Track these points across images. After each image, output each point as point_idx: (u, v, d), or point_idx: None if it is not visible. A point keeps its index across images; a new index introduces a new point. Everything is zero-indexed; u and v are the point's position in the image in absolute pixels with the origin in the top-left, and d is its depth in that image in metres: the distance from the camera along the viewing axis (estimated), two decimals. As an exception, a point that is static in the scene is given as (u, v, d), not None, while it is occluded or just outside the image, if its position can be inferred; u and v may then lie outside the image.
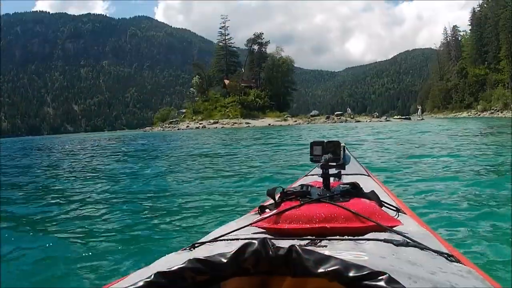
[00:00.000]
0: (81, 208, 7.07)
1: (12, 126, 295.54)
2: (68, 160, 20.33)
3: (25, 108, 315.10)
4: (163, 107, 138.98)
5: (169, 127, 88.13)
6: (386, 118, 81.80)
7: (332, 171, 2.23)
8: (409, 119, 79.62)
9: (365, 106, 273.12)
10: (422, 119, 77.87)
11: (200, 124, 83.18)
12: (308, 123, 75.71)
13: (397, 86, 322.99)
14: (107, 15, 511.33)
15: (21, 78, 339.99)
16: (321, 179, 2.13)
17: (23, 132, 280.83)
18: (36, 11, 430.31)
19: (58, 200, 8.28)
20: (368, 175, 3.53)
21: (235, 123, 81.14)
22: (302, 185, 2.10)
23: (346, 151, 2.45)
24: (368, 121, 74.81)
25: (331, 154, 2.19)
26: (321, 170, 2.14)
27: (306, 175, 3.69)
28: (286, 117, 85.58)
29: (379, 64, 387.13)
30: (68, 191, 9.34)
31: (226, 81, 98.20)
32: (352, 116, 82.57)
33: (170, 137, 46.30)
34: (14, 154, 29.48)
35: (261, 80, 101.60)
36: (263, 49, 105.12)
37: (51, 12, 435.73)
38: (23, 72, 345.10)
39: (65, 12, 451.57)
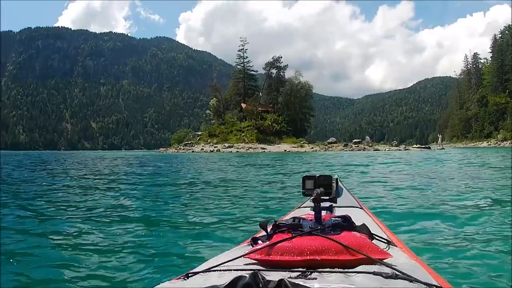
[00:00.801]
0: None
1: (30, 140, 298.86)
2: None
3: (43, 123, 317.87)
4: (181, 128, 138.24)
5: (183, 149, 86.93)
6: (405, 147, 79.93)
7: (325, 204, 2.33)
8: (429, 148, 77.91)
9: (383, 135, 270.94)
10: (442, 149, 76.12)
11: (214, 147, 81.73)
12: (325, 150, 73.89)
13: (415, 114, 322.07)
14: (129, 34, 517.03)
15: (41, 93, 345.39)
16: (313, 212, 2.20)
17: (40, 146, 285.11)
18: (58, 26, 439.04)
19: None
20: (361, 207, 3.52)
21: (250, 148, 79.53)
22: (294, 218, 2.21)
23: (339, 184, 2.63)
24: (387, 149, 72.93)
25: (323, 188, 2.26)
26: (313, 203, 2.20)
27: (298, 207, 3.65)
28: (303, 143, 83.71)
29: (399, 92, 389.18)
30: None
31: (243, 105, 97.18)
32: (370, 144, 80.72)
33: (180, 159, 45.67)
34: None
35: (278, 105, 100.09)
36: (282, 73, 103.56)
37: (72, 29, 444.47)
38: (43, 86, 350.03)
39: (87, 29, 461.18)
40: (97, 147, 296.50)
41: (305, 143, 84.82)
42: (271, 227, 2.13)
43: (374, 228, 2.50)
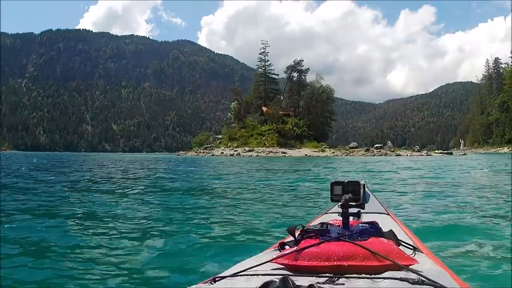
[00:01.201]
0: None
1: (50, 141, 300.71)
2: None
3: (64, 124, 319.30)
4: (202, 132, 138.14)
5: (203, 152, 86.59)
6: (427, 153, 78.99)
7: (352, 210, 2.36)
8: (451, 154, 77.03)
9: (404, 140, 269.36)
10: (464, 154, 75.10)
11: (235, 151, 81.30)
12: (346, 155, 73.15)
13: (436, 120, 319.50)
14: (150, 37, 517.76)
15: (62, 94, 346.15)
16: (340, 218, 2.26)
17: (60, 147, 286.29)
18: (79, 29, 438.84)
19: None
20: (388, 214, 3.54)
21: (271, 152, 78.90)
22: (322, 223, 2.23)
23: (366, 190, 2.53)
24: (409, 155, 72.04)
25: (351, 194, 2.28)
26: (341, 209, 2.26)
27: (326, 213, 3.68)
28: (324, 147, 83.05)
29: (420, 97, 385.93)
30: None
31: (264, 108, 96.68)
32: (392, 149, 79.89)
33: (200, 162, 45.47)
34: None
35: (300, 109, 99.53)
36: (303, 77, 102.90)
37: (94, 31, 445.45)
38: (64, 88, 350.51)
39: (108, 32, 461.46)
40: (118, 149, 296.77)
41: (326, 147, 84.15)
42: (299, 232, 2.15)
43: (401, 234, 2.51)
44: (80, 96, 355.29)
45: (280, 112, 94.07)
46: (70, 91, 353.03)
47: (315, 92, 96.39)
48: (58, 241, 6.05)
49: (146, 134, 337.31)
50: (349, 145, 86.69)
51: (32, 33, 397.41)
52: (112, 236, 6.52)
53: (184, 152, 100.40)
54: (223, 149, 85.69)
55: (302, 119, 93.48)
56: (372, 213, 3.26)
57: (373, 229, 2.11)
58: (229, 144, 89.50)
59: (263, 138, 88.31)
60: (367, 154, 74.04)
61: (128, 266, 4.95)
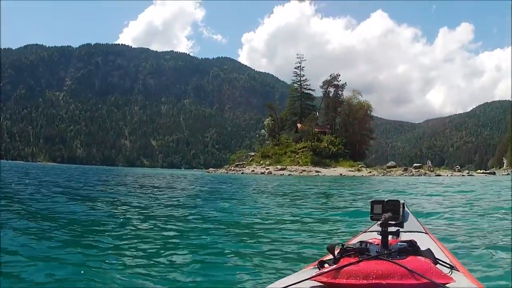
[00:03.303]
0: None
1: (87, 155, 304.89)
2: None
3: (102, 138, 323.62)
4: (241, 149, 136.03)
5: (233, 170, 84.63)
6: (468, 172, 74.96)
7: (391, 228, 2.40)
8: (494, 173, 73.00)
9: (443, 159, 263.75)
10: (508, 174, 70.86)
11: (266, 169, 78.75)
12: (383, 175, 69.65)
13: (475, 139, 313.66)
14: (190, 54, 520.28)
15: (100, 109, 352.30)
16: (379, 236, 2.31)
17: (97, 161, 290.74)
18: (119, 44, 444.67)
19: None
20: (426, 233, 3.56)
21: (304, 170, 75.92)
22: (361, 242, 2.29)
23: (406, 209, 2.63)
24: (450, 175, 68.28)
25: (390, 213, 2.34)
26: (380, 227, 2.32)
27: (365, 232, 3.75)
28: (360, 167, 79.40)
29: (458, 117, 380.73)
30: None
31: (299, 125, 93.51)
32: (432, 169, 76.01)
33: (227, 180, 43.24)
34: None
35: (336, 126, 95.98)
36: (340, 92, 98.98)
37: (133, 46, 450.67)
38: (102, 102, 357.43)
39: (147, 48, 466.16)
40: (156, 165, 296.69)
41: (363, 167, 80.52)
42: (338, 250, 2.21)
43: (438, 253, 2.54)
44: (119, 111, 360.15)
45: (316, 129, 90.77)
46: (109, 106, 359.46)
47: (352, 109, 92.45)
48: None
49: (185, 150, 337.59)
50: (387, 165, 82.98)
51: (70, 46, 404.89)
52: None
53: (214, 169, 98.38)
54: (254, 167, 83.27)
55: (338, 136, 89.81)
56: (411, 231, 3.29)
57: (411, 248, 2.16)
58: (261, 161, 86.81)
59: (297, 156, 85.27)
60: (405, 174, 70.67)
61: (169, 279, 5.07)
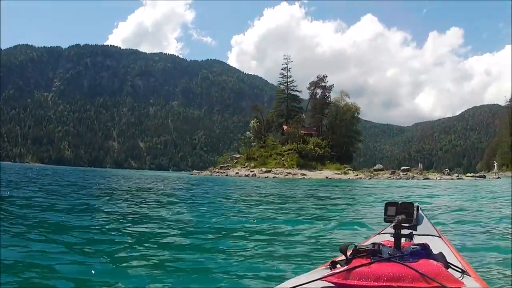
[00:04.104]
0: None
1: (75, 156, 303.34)
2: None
3: (90, 140, 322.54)
4: (229, 152, 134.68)
5: (217, 172, 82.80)
6: (457, 176, 73.50)
7: (405, 231, 2.43)
8: (484, 177, 71.69)
9: (431, 163, 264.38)
10: (498, 178, 69.77)
11: (251, 171, 77.01)
12: (370, 178, 68.11)
13: (463, 143, 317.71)
14: (180, 55, 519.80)
15: (88, 110, 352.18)
16: (392, 239, 2.31)
17: (85, 163, 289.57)
18: (108, 45, 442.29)
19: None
20: (439, 237, 3.58)
21: (289, 173, 74.14)
22: (374, 244, 2.29)
23: (420, 212, 2.71)
24: (439, 178, 66.65)
25: (404, 215, 2.36)
26: (394, 230, 2.33)
27: (378, 233, 3.78)
28: (347, 170, 77.85)
29: (447, 120, 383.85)
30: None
31: (285, 127, 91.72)
32: (420, 172, 74.55)
33: (202, 182, 41.27)
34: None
35: (323, 128, 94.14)
36: (327, 94, 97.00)
37: (122, 48, 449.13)
38: (90, 103, 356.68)
39: (137, 49, 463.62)
40: (144, 167, 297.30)
41: (349, 169, 78.94)
42: (350, 251, 2.22)
43: (451, 257, 2.55)
44: (107, 112, 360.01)
45: (302, 131, 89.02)
46: (97, 107, 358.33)
47: (339, 111, 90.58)
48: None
49: (173, 152, 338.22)
50: (374, 168, 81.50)
51: (59, 47, 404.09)
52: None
53: (198, 171, 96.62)
54: (239, 169, 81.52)
55: (325, 139, 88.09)
56: (424, 235, 3.30)
57: (424, 251, 2.18)
58: (246, 164, 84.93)
59: (283, 159, 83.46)
60: (392, 177, 69.14)
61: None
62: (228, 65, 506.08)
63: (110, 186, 29.71)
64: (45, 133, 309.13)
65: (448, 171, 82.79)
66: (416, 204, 2.37)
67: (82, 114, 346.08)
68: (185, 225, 10.26)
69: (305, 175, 72.62)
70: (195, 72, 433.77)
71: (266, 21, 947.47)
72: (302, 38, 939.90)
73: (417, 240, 2.65)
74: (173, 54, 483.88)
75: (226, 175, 76.31)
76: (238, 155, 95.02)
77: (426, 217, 3.91)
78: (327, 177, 69.06)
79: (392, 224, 2.31)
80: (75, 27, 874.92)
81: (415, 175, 70.83)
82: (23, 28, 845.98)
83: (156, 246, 7.39)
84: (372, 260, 2.00)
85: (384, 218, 2.40)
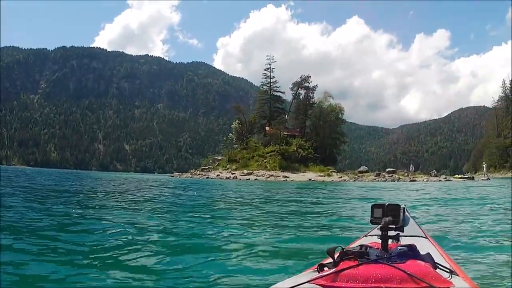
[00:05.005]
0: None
1: (61, 158, 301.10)
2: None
3: (76, 142, 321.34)
4: (214, 154, 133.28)
5: (198, 174, 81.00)
6: (445, 178, 71.89)
7: (391, 232, 2.45)
8: (473, 178, 69.93)
9: (418, 165, 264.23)
10: (488, 179, 67.99)
11: (232, 174, 75.19)
12: (354, 180, 66.47)
13: (449, 144, 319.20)
14: (165, 58, 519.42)
15: (74, 112, 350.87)
16: (380, 240, 2.34)
17: (71, 165, 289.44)
18: (94, 47, 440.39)
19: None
20: (426, 237, 3.60)
21: (271, 175, 72.28)
22: (361, 246, 2.32)
23: (406, 213, 2.70)
24: (426, 180, 64.98)
25: (391, 217, 2.39)
26: (381, 231, 2.35)
27: (365, 235, 3.80)
28: (331, 172, 76.14)
29: (433, 122, 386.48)
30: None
31: (268, 128, 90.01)
32: (406, 174, 72.95)
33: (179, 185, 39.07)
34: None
35: (306, 129, 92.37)
36: (310, 94, 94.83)
37: (108, 50, 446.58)
38: (76, 106, 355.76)
39: (122, 51, 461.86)
40: (130, 169, 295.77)
41: (334, 171, 77.24)
42: (338, 254, 2.24)
43: (438, 258, 2.56)
44: (93, 114, 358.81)
45: (285, 133, 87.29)
46: (83, 109, 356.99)
47: (322, 112, 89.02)
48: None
49: (159, 155, 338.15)
50: (358, 169, 79.87)
51: (46, 49, 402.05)
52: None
53: (179, 173, 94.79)
54: (220, 171, 79.60)
55: (308, 140, 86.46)
56: (411, 236, 3.31)
57: (411, 252, 2.20)
58: (227, 166, 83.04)
59: (265, 161, 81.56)
60: (377, 179, 67.44)
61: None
62: (214, 67, 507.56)
63: (62, 188, 27.56)
64: (31, 136, 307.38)
65: (436, 172, 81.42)
66: (402, 205, 2.40)
67: (68, 116, 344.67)
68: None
69: (288, 177, 70.90)
70: (180, 75, 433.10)
71: (252, 23, 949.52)
72: (288, 41, 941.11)
73: (404, 241, 2.67)
74: (158, 56, 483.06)
75: (207, 178, 74.43)
76: (220, 157, 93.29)
77: (413, 218, 3.89)
78: (310, 180, 67.34)
79: (379, 226, 2.33)
80: (62, 29, 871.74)
81: (401, 177, 69.34)
82: (9, 29, 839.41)
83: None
84: (360, 262, 2.01)
85: (371, 220, 2.41)
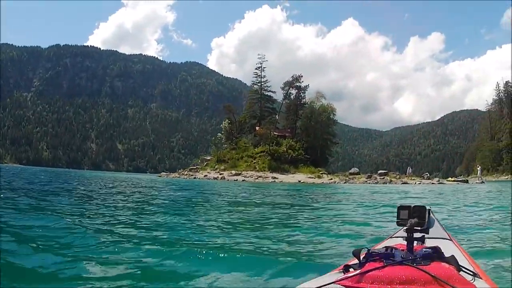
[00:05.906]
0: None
1: (53, 157, 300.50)
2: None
3: (68, 141, 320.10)
4: (206, 154, 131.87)
5: (186, 174, 79.43)
6: (438, 180, 70.32)
7: (417, 234, 2.48)
8: (467, 182, 68.40)
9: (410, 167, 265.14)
10: (482, 183, 66.17)
11: (220, 174, 73.50)
12: (345, 182, 64.78)
13: (442, 147, 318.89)
14: (159, 57, 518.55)
15: (67, 111, 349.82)
16: (405, 242, 2.38)
17: (63, 164, 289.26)
18: (87, 46, 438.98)
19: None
20: (450, 240, 3.60)
21: (260, 176, 70.53)
22: (386, 247, 2.37)
23: (431, 215, 2.70)
24: (418, 183, 63.44)
25: (417, 218, 2.42)
26: (406, 233, 2.39)
27: (391, 237, 3.83)
28: (321, 173, 74.47)
29: (427, 125, 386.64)
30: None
31: (258, 128, 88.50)
32: (398, 176, 71.37)
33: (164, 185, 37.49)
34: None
35: (297, 130, 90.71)
36: (302, 94, 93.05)
37: (102, 48, 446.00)
38: (69, 104, 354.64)
39: (116, 50, 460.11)
40: (122, 169, 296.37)
41: (324, 173, 75.59)
42: (363, 255, 2.28)
43: (462, 260, 2.56)
44: (86, 113, 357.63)
45: (275, 133, 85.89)
46: (76, 108, 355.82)
47: (314, 112, 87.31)
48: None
49: (151, 155, 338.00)
50: (349, 171, 78.24)
51: (39, 46, 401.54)
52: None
53: (166, 173, 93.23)
54: (208, 172, 77.91)
55: (298, 141, 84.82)
56: (436, 238, 3.32)
57: (436, 254, 2.22)
58: (216, 166, 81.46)
59: (254, 161, 79.90)
60: (368, 181, 65.84)
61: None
62: (208, 67, 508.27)
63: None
64: (23, 134, 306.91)
65: (428, 175, 79.97)
66: (428, 207, 2.41)
67: (61, 115, 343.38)
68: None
69: (276, 178, 69.30)
70: (174, 75, 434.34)
71: (247, 24, 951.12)
72: (283, 42, 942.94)
73: (429, 243, 2.65)
74: (152, 56, 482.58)
75: (194, 178, 72.91)
76: (209, 157, 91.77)
77: (437, 220, 3.91)
78: (299, 181, 65.77)
79: (405, 228, 2.34)
80: (56, 27, 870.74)
81: (392, 179, 67.81)
82: (3, 26, 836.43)
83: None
84: (385, 264, 2.03)
85: (397, 222, 2.42)
